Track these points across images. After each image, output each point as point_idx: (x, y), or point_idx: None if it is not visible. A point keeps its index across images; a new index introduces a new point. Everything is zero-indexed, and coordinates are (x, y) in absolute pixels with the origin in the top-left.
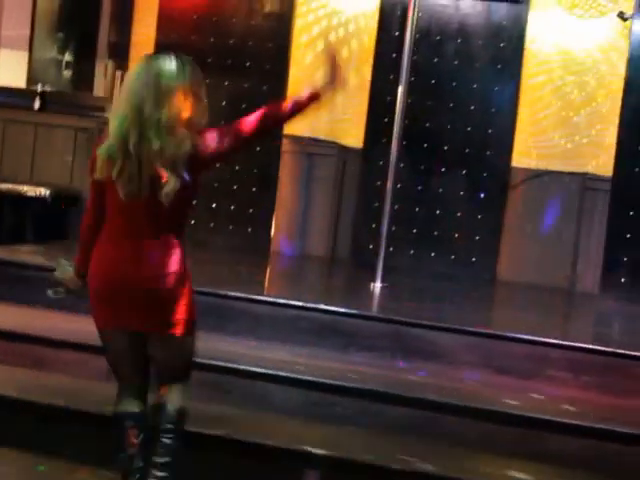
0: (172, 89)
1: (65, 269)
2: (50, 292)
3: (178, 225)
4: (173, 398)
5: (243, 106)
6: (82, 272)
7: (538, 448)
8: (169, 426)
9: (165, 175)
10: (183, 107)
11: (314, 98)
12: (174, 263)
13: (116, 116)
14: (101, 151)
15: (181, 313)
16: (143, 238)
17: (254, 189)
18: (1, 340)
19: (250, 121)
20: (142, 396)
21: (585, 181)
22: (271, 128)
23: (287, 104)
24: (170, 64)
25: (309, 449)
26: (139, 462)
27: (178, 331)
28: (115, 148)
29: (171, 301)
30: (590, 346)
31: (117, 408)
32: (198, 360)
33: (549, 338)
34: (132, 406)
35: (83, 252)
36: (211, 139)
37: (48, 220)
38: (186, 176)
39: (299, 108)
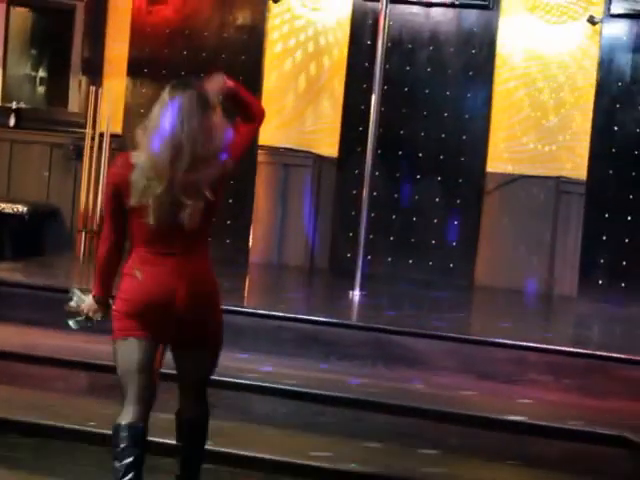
0: (202, 122)
1: (81, 299)
2: (72, 323)
3: (207, 238)
4: (205, 409)
5: None
6: (103, 299)
7: (521, 452)
8: (200, 436)
9: (195, 200)
10: (212, 137)
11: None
12: (214, 276)
13: (151, 149)
14: (136, 179)
15: (221, 326)
16: (181, 254)
17: (231, 200)
18: None
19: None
20: (148, 410)
21: (560, 184)
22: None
23: (251, 115)
24: (194, 98)
25: (296, 460)
26: (133, 475)
27: (219, 344)
28: (152, 178)
29: (217, 315)
30: (570, 349)
31: (123, 420)
32: None
33: (529, 342)
34: (137, 419)
35: (106, 279)
36: (229, 156)
37: (26, 236)
38: (212, 196)
39: (253, 102)
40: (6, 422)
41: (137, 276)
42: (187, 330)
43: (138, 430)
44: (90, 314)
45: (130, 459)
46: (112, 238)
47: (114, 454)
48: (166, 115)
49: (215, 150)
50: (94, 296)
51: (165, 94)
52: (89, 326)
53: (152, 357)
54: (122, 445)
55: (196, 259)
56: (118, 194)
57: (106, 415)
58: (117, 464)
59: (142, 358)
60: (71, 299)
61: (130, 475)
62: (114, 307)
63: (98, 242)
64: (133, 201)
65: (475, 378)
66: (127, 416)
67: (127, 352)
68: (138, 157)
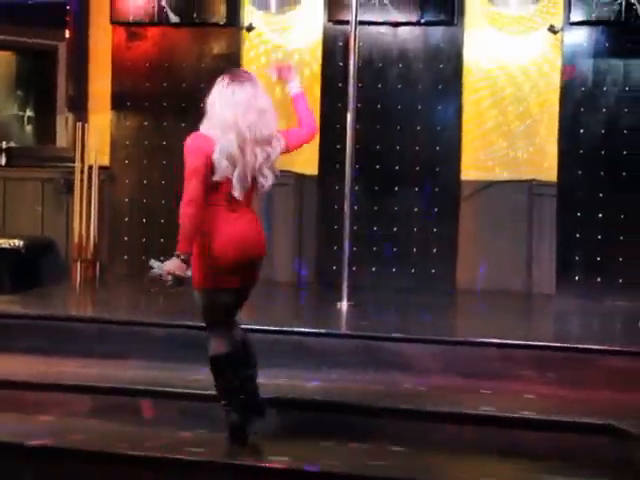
0: (259, 111)
1: (160, 266)
2: (171, 283)
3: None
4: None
5: None
6: (188, 256)
7: (509, 445)
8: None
9: (268, 173)
10: (268, 122)
11: (300, 97)
12: None
13: (221, 138)
14: (218, 159)
15: None
16: (248, 214)
17: None
18: None
19: (293, 135)
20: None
21: (532, 188)
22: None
23: (300, 125)
24: (250, 89)
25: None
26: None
27: None
28: (232, 157)
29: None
30: (552, 344)
31: (221, 351)
32: (182, 391)
33: (512, 339)
34: (230, 347)
35: (194, 236)
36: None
37: (23, 269)
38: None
39: (305, 116)
40: (13, 447)
41: (224, 232)
42: (256, 271)
43: (236, 356)
44: (179, 273)
45: (237, 380)
46: (200, 200)
47: (222, 382)
48: (228, 106)
49: (271, 133)
50: (182, 254)
51: (223, 87)
52: (180, 286)
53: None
54: (227, 372)
55: (252, 213)
56: (206, 165)
57: (108, 435)
58: (229, 386)
59: (230, 302)
60: (152, 268)
61: (245, 390)
62: (204, 261)
63: (88, 270)
64: (217, 177)
65: (463, 378)
66: (222, 348)
67: (217, 300)
68: (216, 139)
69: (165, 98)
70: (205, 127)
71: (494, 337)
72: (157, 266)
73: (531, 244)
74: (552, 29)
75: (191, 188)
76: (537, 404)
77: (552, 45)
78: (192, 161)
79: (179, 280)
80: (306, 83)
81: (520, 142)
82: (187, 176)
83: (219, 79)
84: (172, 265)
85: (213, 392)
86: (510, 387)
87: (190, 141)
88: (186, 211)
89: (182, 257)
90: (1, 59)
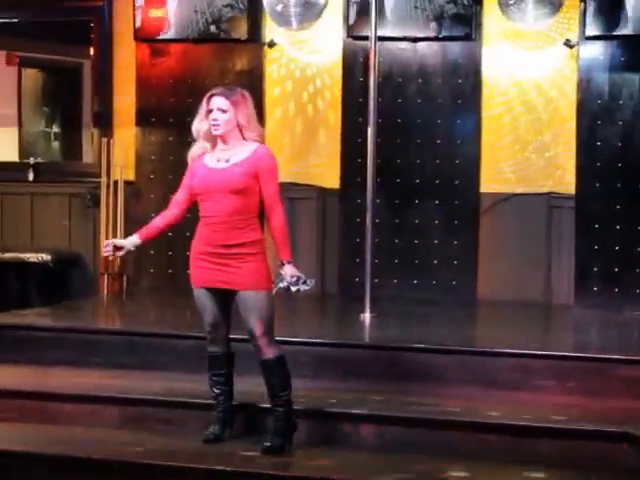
0: None
1: (279, 279)
2: (306, 286)
3: None
4: None
5: None
6: None
7: (529, 453)
8: None
9: None
10: None
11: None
12: None
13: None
14: None
15: None
16: None
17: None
18: (14, 399)
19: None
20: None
21: (550, 200)
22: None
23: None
24: None
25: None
26: None
27: None
28: None
29: None
30: (571, 354)
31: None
32: (210, 402)
33: (532, 350)
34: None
35: None
36: None
37: (51, 283)
38: None
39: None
40: (43, 458)
41: None
42: None
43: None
44: (301, 277)
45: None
46: None
47: (287, 383)
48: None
49: None
50: (291, 261)
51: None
52: (309, 284)
53: None
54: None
55: None
56: None
57: (136, 446)
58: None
59: None
60: (277, 285)
61: None
62: (267, 263)
63: (116, 283)
64: None
65: (484, 388)
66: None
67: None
68: None
69: (189, 114)
70: (253, 139)
71: (514, 347)
72: (279, 282)
73: (550, 256)
74: (568, 43)
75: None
76: (556, 413)
77: (568, 59)
78: (277, 176)
79: (304, 281)
80: (327, 99)
81: (538, 155)
82: (278, 190)
83: (245, 93)
84: (294, 271)
85: (244, 402)
86: (529, 397)
87: (273, 156)
88: (285, 220)
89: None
90: (28, 76)
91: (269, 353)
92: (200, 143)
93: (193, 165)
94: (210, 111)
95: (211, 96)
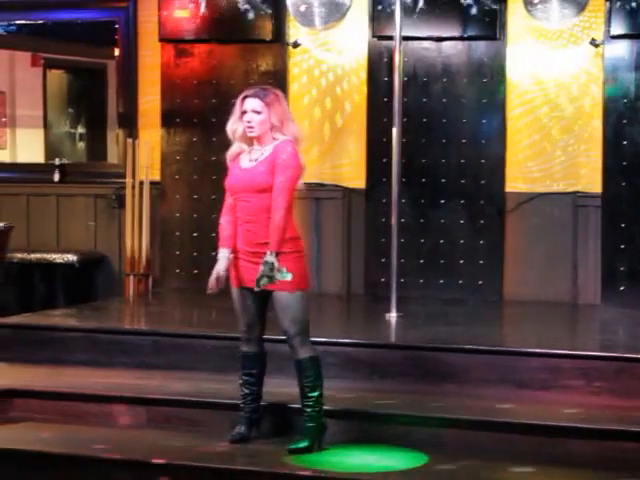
0: None
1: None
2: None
3: None
4: None
5: None
6: None
7: (558, 453)
8: None
9: None
10: None
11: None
12: None
13: (300, 143)
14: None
15: None
16: None
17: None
18: (40, 400)
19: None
20: None
21: (576, 199)
22: None
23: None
24: None
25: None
26: None
27: None
28: None
29: None
30: (599, 353)
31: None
32: (236, 402)
33: (560, 349)
34: None
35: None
36: None
37: (77, 284)
38: None
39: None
40: (71, 458)
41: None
42: None
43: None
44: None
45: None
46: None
47: (318, 384)
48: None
49: None
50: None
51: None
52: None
53: None
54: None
55: None
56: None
57: (162, 446)
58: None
59: None
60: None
61: None
62: (303, 263)
63: (141, 284)
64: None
65: (512, 387)
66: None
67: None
68: None
69: (213, 114)
70: (285, 137)
71: (541, 347)
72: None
73: (576, 255)
74: (593, 42)
75: (291, 198)
76: (584, 413)
77: (594, 58)
78: (297, 173)
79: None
80: (352, 99)
81: (564, 154)
82: (290, 186)
83: (279, 93)
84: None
85: (273, 402)
86: (557, 397)
87: (291, 151)
88: (287, 217)
89: (275, 256)
90: (53, 77)
91: (302, 353)
92: (237, 144)
93: (231, 165)
94: (244, 112)
95: (245, 97)
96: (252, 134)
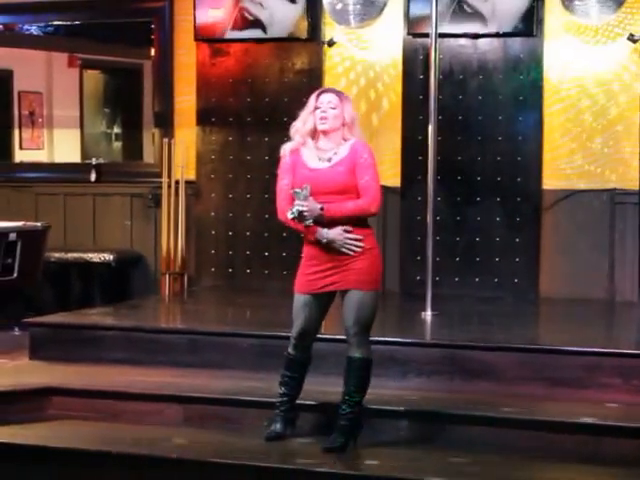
0: None
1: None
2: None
3: None
4: None
5: None
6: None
7: (596, 452)
8: None
9: None
10: None
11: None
12: None
13: None
14: None
15: None
16: None
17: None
18: (78, 398)
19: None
20: None
21: (613, 196)
22: None
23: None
24: None
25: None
26: None
27: None
28: None
29: None
30: (636, 351)
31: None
32: (273, 400)
33: (597, 347)
34: None
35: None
36: None
37: (113, 282)
38: None
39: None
40: (108, 456)
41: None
42: None
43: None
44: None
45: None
46: None
47: (364, 386)
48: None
49: None
50: (326, 212)
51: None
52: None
53: None
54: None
55: None
56: None
57: (199, 444)
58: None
59: None
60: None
61: None
62: (380, 264)
63: (177, 283)
64: None
65: (546, 385)
66: None
67: None
68: None
69: (249, 113)
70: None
71: (577, 345)
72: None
73: (613, 252)
74: (632, 38)
75: (378, 195)
76: (621, 412)
77: (632, 54)
78: (378, 172)
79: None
80: (387, 97)
81: (601, 151)
82: (376, 185)
83: (349, 97)
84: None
85: (310, 402)
86: (594, 395)
87: (369, 149)
88: (366, 209)
89: (323, 211)
90: (89, 77)
91: (357, 352)
92: (298, 138)
93: (291, 159)
94: (317, 108)
95: (321, 93)
96: (323, 126)
